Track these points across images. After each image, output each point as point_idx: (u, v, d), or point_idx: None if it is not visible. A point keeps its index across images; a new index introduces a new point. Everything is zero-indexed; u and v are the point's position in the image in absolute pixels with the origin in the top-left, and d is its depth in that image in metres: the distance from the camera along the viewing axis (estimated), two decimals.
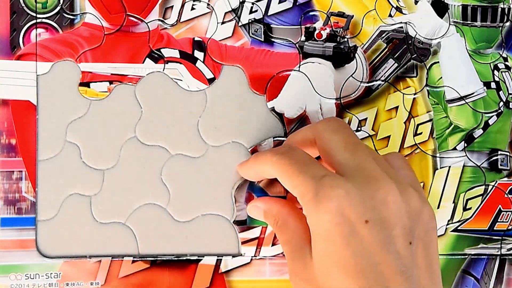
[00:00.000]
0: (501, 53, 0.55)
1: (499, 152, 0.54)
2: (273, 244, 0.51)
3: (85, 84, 0.49)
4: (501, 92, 0.55)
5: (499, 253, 0.54)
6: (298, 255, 0.40)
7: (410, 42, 0.53)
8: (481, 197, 0.54)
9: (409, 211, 0.38)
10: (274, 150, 0.42)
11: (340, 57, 0.52)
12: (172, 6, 0.51)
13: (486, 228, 0.54)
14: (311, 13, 0.52)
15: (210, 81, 0.50)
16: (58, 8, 0.50)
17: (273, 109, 0.51)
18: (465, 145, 0.54)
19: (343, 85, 0.52)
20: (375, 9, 0.53)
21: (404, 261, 0.36)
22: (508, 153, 0.54)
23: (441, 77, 0.54)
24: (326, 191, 0.37)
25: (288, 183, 0.40)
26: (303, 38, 0.52)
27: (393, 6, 0.53)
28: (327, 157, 0.40)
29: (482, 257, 0.54)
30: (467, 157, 0.54)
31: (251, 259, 0.51)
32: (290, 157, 0.40)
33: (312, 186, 0.37)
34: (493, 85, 0.54)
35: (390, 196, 0.37)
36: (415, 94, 0.53)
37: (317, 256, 0.38)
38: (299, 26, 0.52)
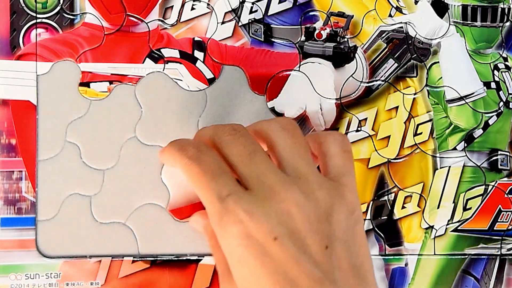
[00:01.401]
0: (501, 53, 0.55)
1: (499, 152, 0.54)
2: None
3: (85, 84, 0.49)
4: (501, 92, 0.55)
5: (499, 253, 0.54)
6: (225, 278, 0.39)
7: (410, 42, 0.53)
8: (481, 197, 0.54)
9: (319, 215, 0.36)
10: (183, 149, 0.39)
11: (340, 57, 0.52)
12: (172, 6, 0.51)
13: (486, 228, 0.54)
14: (311, 13, 0.52)
15: (210, 81, 0.50)
16: (58, 8, 0.50)
17: (273, 109, 0.51)
18: (465, 145, 0.54)
19: (343, 85, 0.52)
20: (375, 9, 0.53)
21: (323, 267, 0.35)
22: (508, 153, 0.54)
23: (441, 77, 0.54)
24: (230, 216, 0.35)
25: (199, 196, 0.38)
26: (303, 38, 0.52)
27: (393, 6, 0.53)
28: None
29: (482, 257, 0.54)
30: (467, 157, 0.54)
31: None
32: (199, 163, 0.38)
33: (217, 209, 0.36)
34: (493, 85, 0.54)
35: (294, 206, 0.35)
36: (415, 94, 0.53)
37: (237, 279, 0.36)
38: (299, 26, 0.52)
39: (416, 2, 0.54)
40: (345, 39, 0.52)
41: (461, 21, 0.54)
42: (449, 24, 0.54)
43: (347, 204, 0.37)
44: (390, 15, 0.53)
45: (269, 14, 0.52)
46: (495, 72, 0.55)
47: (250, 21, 0.52)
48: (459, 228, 0.54)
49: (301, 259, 0.34)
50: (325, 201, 0.36)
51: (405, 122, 0.53)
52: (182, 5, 0.51)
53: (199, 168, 0.38)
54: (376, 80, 0.53)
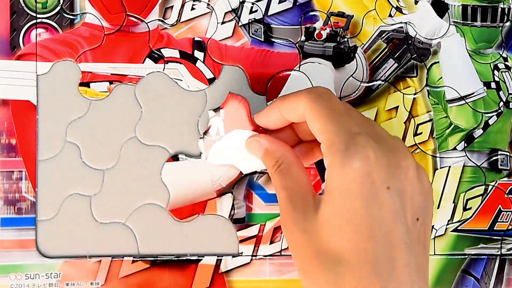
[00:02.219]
0: (501, 53, 0.55)
1: (499, 152, 0.54)
2: (271, 242, 0.51)
3: (85, 84, 0.49)
4: (501, 92, 0.55)
5: (499, 253, 0.54)
6: (300, 205, 0.39)
7: (410, 42, 0.53)
8: (481, 197, 0.54)
9: (422, 190, 0.38)
10: (306, 91, 0.41)
11: (340, 57, 0.52)
12: (172, 6, 0.51)
13: (486, 228, 0.54)
14: (311, 13, 0.52)
15: (210, 81, 0.50)
16: (58, 8, 0.50)
17: None
18: (465, 145, 0.54)
19: (343, 85, 0.52)
20: (375, 9, 0.53)
21: (410, 235, 0.37)
22: (508, 153, 0.54)
23: (441, 77, 0.54)
24: (358, 149, 0.37)
25: (319, 126, 0.39)
26: (303, 38, 0.52)
27: (393, 6, 0.53)
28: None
29: (482, 257, 0.54)
30: (467, 157, 0.54)
31: (251, 259, 0.51)
32: (328, 101, 0.39)
33: (344, 139, 0.37)
34: (493, 85, 0.54)
35: (410, 170, 0.38)
36: (415, 94, 0.53)
37: (328, 209, 0.37)
38: (299, 26, 0.52)
39: (416, 2, 0.54)
40: (345, 39, 0.52)
41: (461, 21, 0.54)
42: (449, 24, 0.54)
43: (432, 197, 0.40)
44: (390, 15, 0.53)
45: (269, 14, 0.52)
46: (495, 72, 0.55)
47: (250, 21, 0.52)
48: (459, 228, 0.54)
49: (399, 218, 0.37)
50: (427, 184, 0.39)
51: (405, 122, 0.53)
52: (182, 5, 0.51)
53: (328, 104, 0.39)
54: (376, 80, 0.53)
